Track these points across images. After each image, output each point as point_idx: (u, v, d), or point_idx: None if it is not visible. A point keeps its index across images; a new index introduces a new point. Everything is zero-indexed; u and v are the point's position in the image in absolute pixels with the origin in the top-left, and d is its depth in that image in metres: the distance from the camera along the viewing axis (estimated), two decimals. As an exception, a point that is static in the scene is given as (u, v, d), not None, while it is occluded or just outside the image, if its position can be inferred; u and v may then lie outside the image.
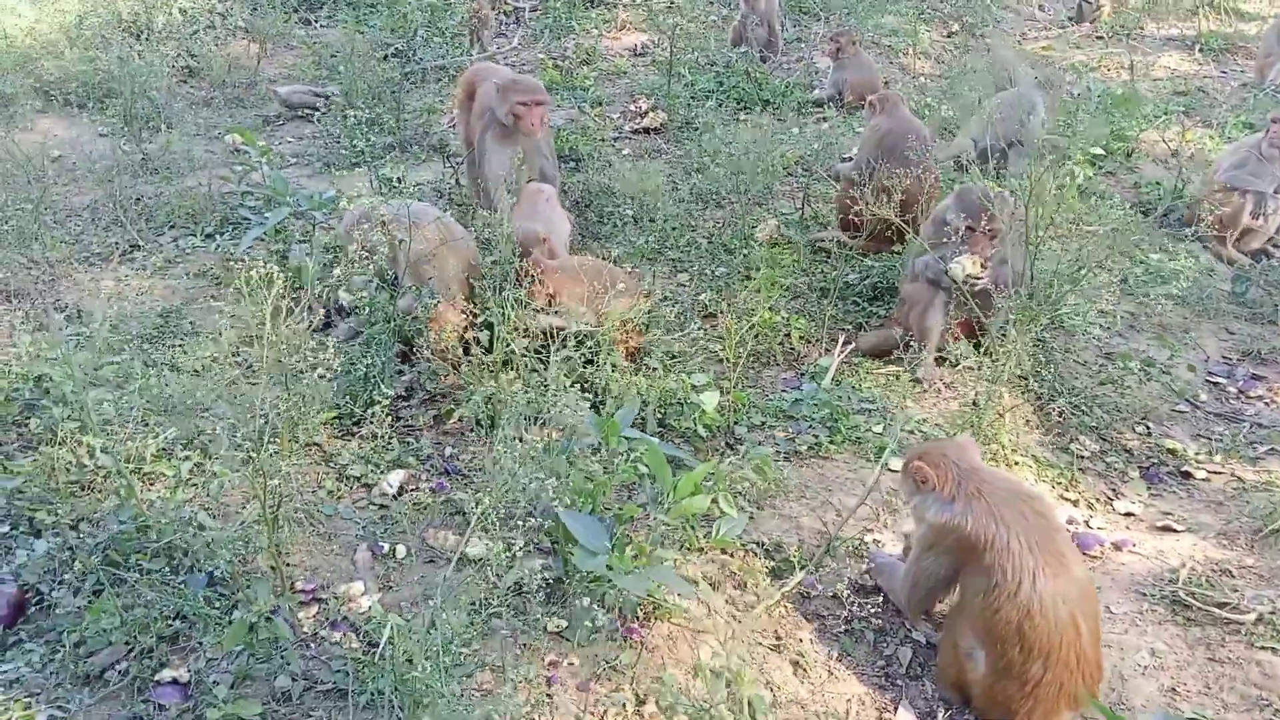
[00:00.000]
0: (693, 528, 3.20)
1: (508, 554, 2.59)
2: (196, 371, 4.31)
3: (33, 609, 3.16)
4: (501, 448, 2.76)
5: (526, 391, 3.31)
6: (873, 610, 3.20)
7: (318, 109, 7.77)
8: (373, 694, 2.90)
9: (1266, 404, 4.49)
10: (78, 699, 2.80)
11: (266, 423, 3.06)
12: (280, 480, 3.22)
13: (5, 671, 2.89)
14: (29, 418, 3.93)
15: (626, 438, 3.25)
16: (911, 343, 4.55)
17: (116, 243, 5.70)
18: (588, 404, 3.15)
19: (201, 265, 5.48)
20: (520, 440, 2.78)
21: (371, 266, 3.99)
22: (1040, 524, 2.71)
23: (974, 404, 3.97)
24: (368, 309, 4.13)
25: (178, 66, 8.12)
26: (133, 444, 3.66)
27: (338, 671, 3.02)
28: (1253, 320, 5.11)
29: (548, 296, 4.14)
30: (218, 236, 5.75)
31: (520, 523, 2.70)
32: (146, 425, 3.84)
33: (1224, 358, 4.82)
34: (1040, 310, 3.73)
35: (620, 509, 3.15)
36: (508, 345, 3.68)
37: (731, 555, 3.34)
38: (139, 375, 3.89)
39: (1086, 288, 3.80)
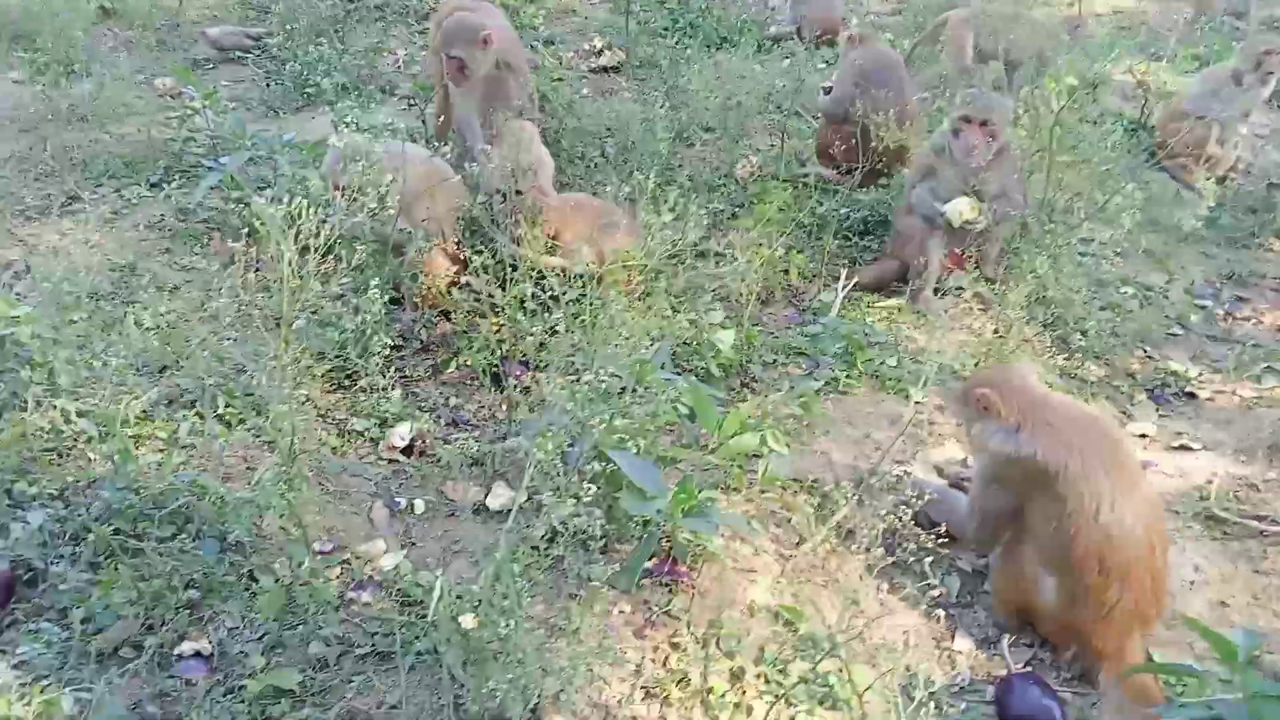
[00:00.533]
0: (740, 467, 3.10)
1: (573, 500, 2.44)
2: (168, 327, 4.04)
3: (22, 586, 2.89)
4: (559, 388, 2.59)
5: (570, 333, 3.13)
6: (917, 541, 3.15)
7: (251, 51, 7.31)
8: (419, 655, 2.75)
9: (1254, 324, 4.59)
10: (103, 679, 2.57)
11: (289, 366, 2.82)
12: (294, 437, 3.00)
13: (20, 653, 2.64)
14: (-11, 382, 3.59)
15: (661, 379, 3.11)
16: (910, 276, 4.52)
17: (52, 194, 5.27)
18: (649, 341, 3.00)
19: (151, 216, 5.10)
20: (575, 381, 2.62)
21: (361, 209, 3.73)
22: (1108, 445, 2.68)
23: (995, 333, 3.94)
24: (359, 252, 3.86)
25: (93, 8, 7.51)
26: (116, 406, 3.37)
27: (374, 634, 2.84)
28: (1229, 245, 5.21)
29: (549, 234, 3.95)
30: (165, 185, 5.35)
31: (582, 468, 2.55)
32: (124, 386, 3.54)
33: (1207, 281, 4.90)
34: (1062, 236, 3.70)
35: (665, 451, 3.02)
36: (523, 283, 3.47)
37: (770, 493, 3.25)
38: (120, 331, 3.58)
39: (1108, 212, 3.78)
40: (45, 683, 2.51)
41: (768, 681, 2.71)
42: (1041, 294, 3.80)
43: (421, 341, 4.14)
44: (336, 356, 3.84)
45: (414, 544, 3.22)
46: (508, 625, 2.25)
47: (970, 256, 4.28)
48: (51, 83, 6.17)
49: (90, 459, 3.35)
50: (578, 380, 2.83)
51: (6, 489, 3.16)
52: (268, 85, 6.80)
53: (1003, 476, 2.80)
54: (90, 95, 6.14)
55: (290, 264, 2.77)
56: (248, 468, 3.35)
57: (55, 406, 3.42)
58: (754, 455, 3.17)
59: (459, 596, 2.74)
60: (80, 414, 3.45)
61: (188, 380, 3.73)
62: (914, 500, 2.93)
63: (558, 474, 2.53)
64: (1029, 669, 2.83)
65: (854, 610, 3.00)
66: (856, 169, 5.08)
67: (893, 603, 3.05)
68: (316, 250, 2.94)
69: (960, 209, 4.27)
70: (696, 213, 3.37)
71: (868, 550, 2.97)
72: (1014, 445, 2.74)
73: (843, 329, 3.85)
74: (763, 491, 3.26)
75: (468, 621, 2.60)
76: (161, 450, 3.39)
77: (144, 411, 3.52)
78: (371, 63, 7.10)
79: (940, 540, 2.79)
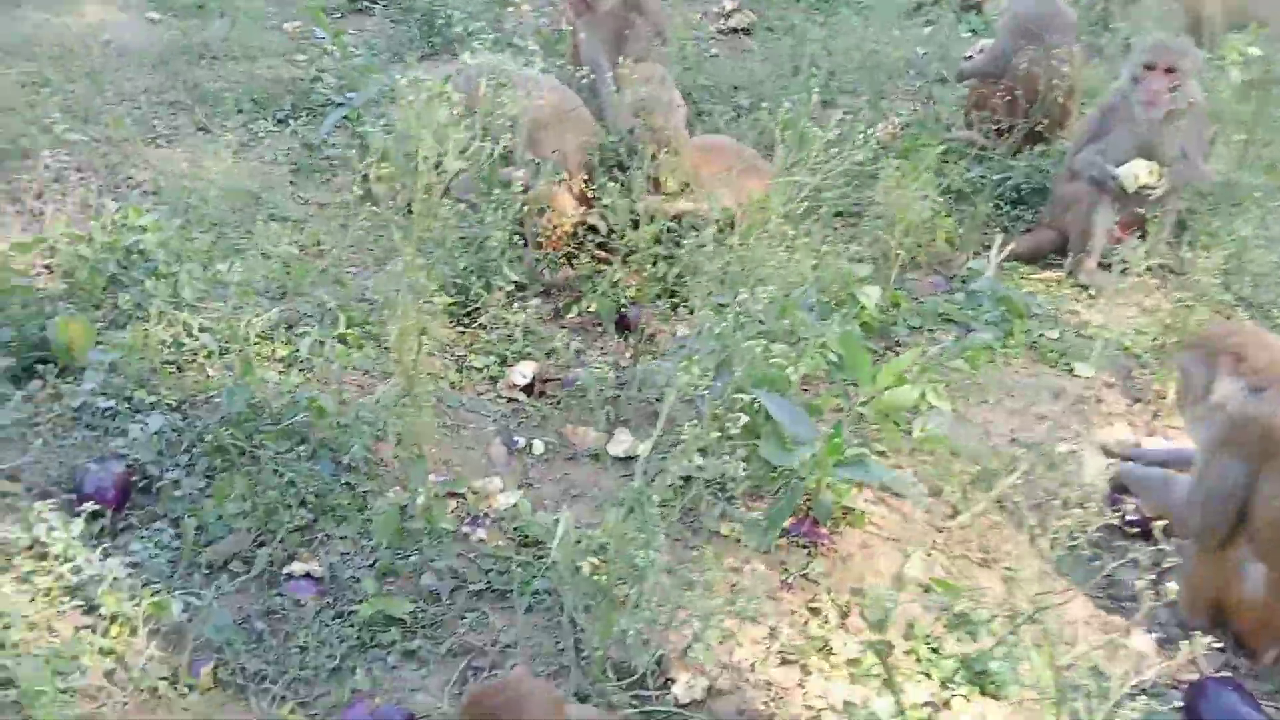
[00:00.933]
0: (895, 423, 2.82)
1: (718, 433, 2.20)
2: (290, 257, 3.98)
3: (138, 494, 2.81)
4: (707, 308, 2.36)
5: (714, 260, 2.90)
6: (1086, 524, 2.82)
7: (378, 1, 7.31)
8: (536, 595, 2.56)
9: None
10: (214, 586, 2.46)
11: (416, 279, 2.66)
12: (417, 354, 2.86)
13: (132, 550, 2.55)
14: (115, 293, 3.54)
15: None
16: (1071, 247, 4.16)
17: (181, 125, 5.28)
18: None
19: (277, 150, 5.05)
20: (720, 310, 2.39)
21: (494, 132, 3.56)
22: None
23: (1180, 303, 3.56)
24: (484, 182, 3.70)
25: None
26: (237, 322, 3.28)
27: (489, 571, 2.67)
28: None
29: (685, 172, 3.73)
30: (291, 121, 5.32)
31: (725, 405, 2.32)
32: (245, 304, 3.46)
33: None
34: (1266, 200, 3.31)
35: (813, 401, 2.76)
36: (658, 220, 3.26)
37: (924, 457, 2.96)
38: (243, 253, 3.51)
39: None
40: (155, 586, 2.40)
41: (919, 659, 2.43)
42: (1238, 263, 3.41)
43: (543, 284, 3.96)
44: (457, 291, 3.69)
45: (531, 485, 3.04)
46: (645, 559, 2.03)
47: (1143, 225, 3.89)
48: (185, 21, 6.25)
49: (210, 374, 3.27)
50: (721, 311, 2.59)
51: (127, 397, 3.10)
52: (393, 33, 6.75)
53: (1236, 443, 2.44)
54: (221, 35, 6.19)
55: (428, 158, 2.64)
56: (366, 392, 3.22)
57: (178, 320, 3.35)
58: (909, 412, 2.88)
59: (578, 542, 2.56)
60: (202, 329, 3.39)
61: (308, 305, 3.63)
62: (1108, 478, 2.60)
63: (699, 405, 2.30)
64: (1224, 674, 2.49)
65: (1014, 593, 2.71)
66: (1008, 133, 4.71)
67: (1059, 589, 2.73)
68: (456, 146, 2.80)
69: (1136, 172, 3.88)
70: (867, 131, 3.09)
71: (1035, 529, 2.67)
72: (1255, 406, 2.39)
73: (1001, 291, 3.52)
74: (912, 453, 2.97)
75: (590, 564, 2.41)
76: (281, 372, 3.29)
77: (263, 332, 3.42)
78: (498, 15, 6.99)
79: (1128, 524, 2.48)
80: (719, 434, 2.18)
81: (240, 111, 5.43)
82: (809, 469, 2.56)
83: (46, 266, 3.80)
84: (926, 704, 2.25)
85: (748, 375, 2.44)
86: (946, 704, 2.30)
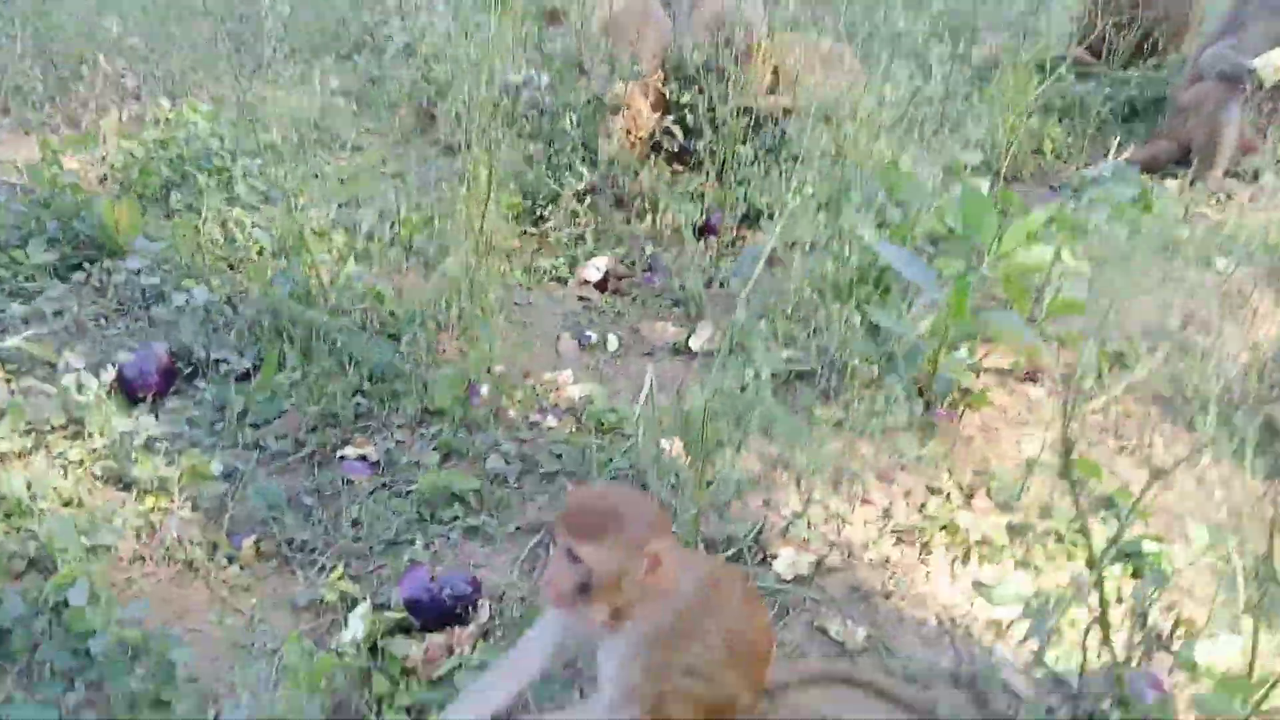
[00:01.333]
0: (1023, 288, 2.47)
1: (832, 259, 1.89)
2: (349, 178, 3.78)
3: (183, 382, 2.59)
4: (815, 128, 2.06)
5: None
6: (1238, 419, 2.46)
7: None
8: (614, 476, 2.28)
9: None
10: (259, 451, 2.22)
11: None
12: (483, 225, 2.61)
13: (170, 409, 2.34)
14: (168, 193, 3.37)
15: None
16: (1194, 154, 3.77)
17: (245, 63, 5.15)
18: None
19: (340, 84, 4.89)
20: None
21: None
22: None
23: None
24: (558, 79, 3.47)
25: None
26: (292, 215, 3.07)
27: (560, 455, 2.39)
28: None
29: (772, 70, 3.45)
30: (355, 57, 5.18)
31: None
32: (300, 202, 3.25)
33: None
34: None
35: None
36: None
37: (1054, 327, 2.61)
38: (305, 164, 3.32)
39: None
40: (194, 453, 2.17)
41: (1059, 540, 2.09)
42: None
43: (616, 192, 3.69)
44: (524, 195, 3.46)
45: (604, 380, 2.76)
46: (753, 394, 1.73)
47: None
48: (252, -25, 6.17)
49: (265, 271, 3.06)
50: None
51: (175, 287, 2.90)
52: (460, -15, 6.59)
53: None
54: (287, -13, 6.10)
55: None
56: (427, 283, 2.98)
57: (231, 216, 3.16)
58: (1040, 282, 2.53)
59: (660, 422, 2.28)
60: (255, 225, 3.20)
61: (369, 210, 3.41)
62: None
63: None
64: None
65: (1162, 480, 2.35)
66: (1127, 29, 4.34)
67: (1212, 479, 2.37)
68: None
69: (1276, 62, 3.49)
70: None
71: (1169, 421, 2.32)
72: None
73: (1129, 175, 3.15)
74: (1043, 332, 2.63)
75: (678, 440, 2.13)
76: (335, 267, 3.06)
77: (320, 229, 3.20)
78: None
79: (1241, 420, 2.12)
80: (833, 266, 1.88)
81: (302, 51, 5.31)
82: (928, 335, 2.23)
83: (101, 178, 3.66)
84: (1069, 585, 1.91)
85: (861, 211, 2.12)
86: (1095, 584, 1.95)
